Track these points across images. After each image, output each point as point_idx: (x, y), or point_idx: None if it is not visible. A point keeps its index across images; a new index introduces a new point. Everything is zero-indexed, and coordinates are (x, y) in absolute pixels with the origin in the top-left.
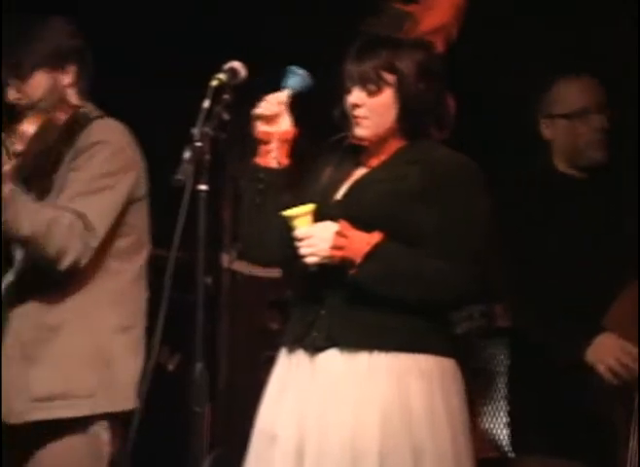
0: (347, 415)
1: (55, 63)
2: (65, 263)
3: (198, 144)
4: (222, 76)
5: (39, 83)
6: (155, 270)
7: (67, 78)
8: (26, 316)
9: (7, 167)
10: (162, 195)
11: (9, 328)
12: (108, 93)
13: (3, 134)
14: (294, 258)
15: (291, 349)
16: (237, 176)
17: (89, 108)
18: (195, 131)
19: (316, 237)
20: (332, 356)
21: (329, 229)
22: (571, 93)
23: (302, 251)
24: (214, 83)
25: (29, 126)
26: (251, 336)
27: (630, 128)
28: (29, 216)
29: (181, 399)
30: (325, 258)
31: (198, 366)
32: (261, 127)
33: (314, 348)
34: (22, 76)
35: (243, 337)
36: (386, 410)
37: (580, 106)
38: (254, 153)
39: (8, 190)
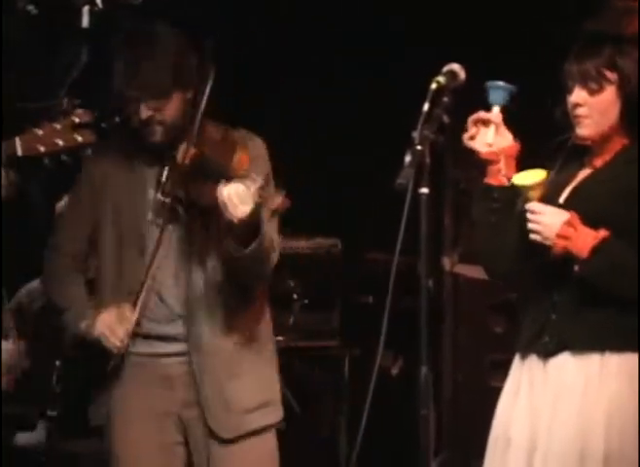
0: (575, 415)
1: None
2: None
3: (419, 147)
4: (441, 79)
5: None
6: (377, 275)
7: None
8: (217, 338)
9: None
10: (383, 199)
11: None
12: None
13: None
14: (527, 265)
15: (523, 354)
16: (457, 179)
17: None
18: (416, 135)
19: (547, 216)
20: (563, 360)
21: (560, 216)
22: None
23: (530, 225)
24: (433, 85)
25: None
26: (474, 339)
27: None
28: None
29: (405, 403)
30: (547, 242)
31: (423, 369)
32: (483, 149)
33: (546, 353)
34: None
35: (466, 340)
36: (616, 409)
37: None
38: (470, 158)
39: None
